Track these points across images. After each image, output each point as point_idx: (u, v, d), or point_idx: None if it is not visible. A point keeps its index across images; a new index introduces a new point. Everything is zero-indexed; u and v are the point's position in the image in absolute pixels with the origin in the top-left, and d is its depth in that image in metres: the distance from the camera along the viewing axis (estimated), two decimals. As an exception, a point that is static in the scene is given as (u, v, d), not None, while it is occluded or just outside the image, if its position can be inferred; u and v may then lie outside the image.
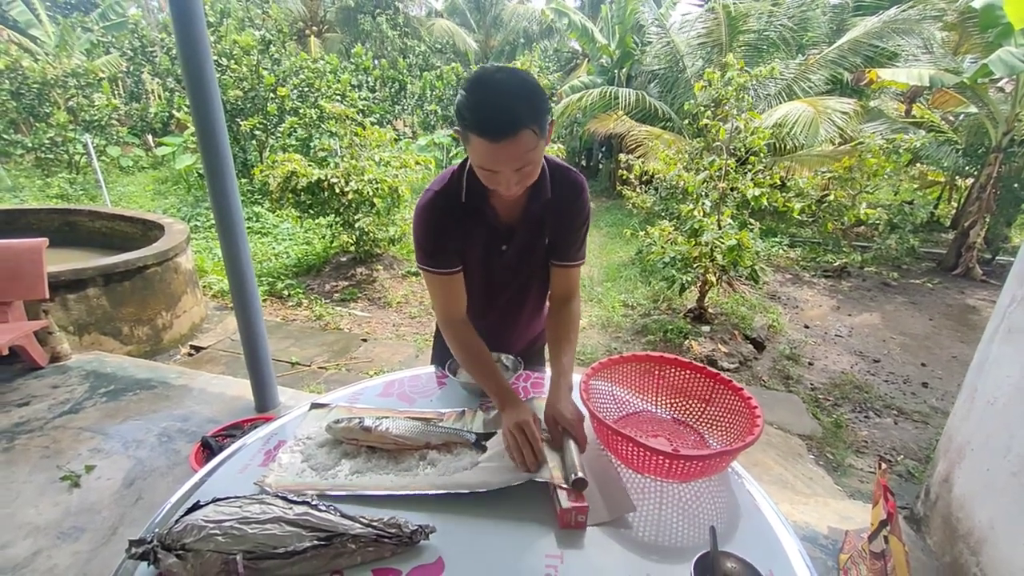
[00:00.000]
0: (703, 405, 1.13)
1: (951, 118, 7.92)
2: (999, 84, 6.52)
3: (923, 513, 1.94)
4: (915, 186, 8.87)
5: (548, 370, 1.32)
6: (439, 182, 1.11)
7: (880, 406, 3.48)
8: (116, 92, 10.91)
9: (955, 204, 8.99)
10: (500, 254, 1.17)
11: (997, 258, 6.72)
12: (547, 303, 1.37)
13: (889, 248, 6.14)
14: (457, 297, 1.18)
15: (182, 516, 0.77)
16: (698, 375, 1.14)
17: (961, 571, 1.64)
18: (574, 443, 0.95)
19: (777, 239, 7.44)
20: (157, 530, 0.76)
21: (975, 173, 6.85)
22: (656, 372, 1.19)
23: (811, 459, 2.87)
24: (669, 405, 1.18)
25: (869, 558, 1.51)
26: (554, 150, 5.03)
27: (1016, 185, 6.38)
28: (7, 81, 8.67)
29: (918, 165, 7.68)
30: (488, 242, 1.15)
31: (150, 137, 11.40)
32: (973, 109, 6.47)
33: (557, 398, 1.04)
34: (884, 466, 1.61)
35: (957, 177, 8.19)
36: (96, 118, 9.20)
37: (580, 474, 0.87)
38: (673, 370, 1.17)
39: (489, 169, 0.93)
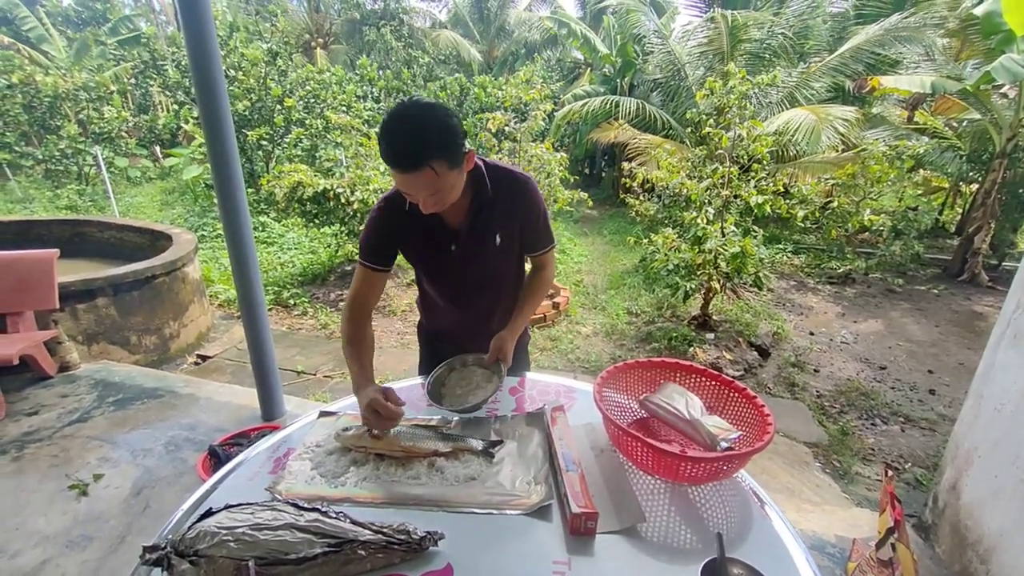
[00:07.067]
0: (715, 412, 1.12)
1: (954, 124, 7.92)
2: (1002, 90, 6.53)
3: (931, 521, 1.92)
4: (919, 192, 8.84)
5: (542, 377, 1.42)
6: (392, 190, 1.20)
7: (887, 413, 3.46)
8: (125, 105, 11.07)
9: (960, 210, 8.97)
10: (450, 254, 1.24)
11: (1003, 264, 6.69)
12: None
13: (894, 254, 6.13)
14: (370, 291, 1.27)
15: (195, 523, 0.78)
16: (711, 381, 1.14)
17: (971, 580, 1.63)
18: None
19: (781, 246, 7.43)
20: (170, 536, 0.78)
21: (980, 179, 6.84)
22: (669, 378, 1.19)
23: (818, 467, 2.85)
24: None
25: (877, 566, 1.50)
26: (557, 159, 5.06)
27: (1021, 190, 6.37)
28: (20, 94, 8.83)
29: (922, 171, 7.67)
30: (436, 244, 1.24)
31: (158, 148, 11.54)
32: (976, 115, 6.47)
33: (504, 332, 1.27)
34: (891, 473, 1.61)
35: (961, 183, 8.18)
36: (106, 130, 9.33)
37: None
38: (686, 376, 1.18)
39: (404, 192, 1.05)
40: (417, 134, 0.96)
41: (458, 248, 1.23)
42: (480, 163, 1.18)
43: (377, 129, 1.00)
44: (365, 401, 1.05)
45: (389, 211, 1.20)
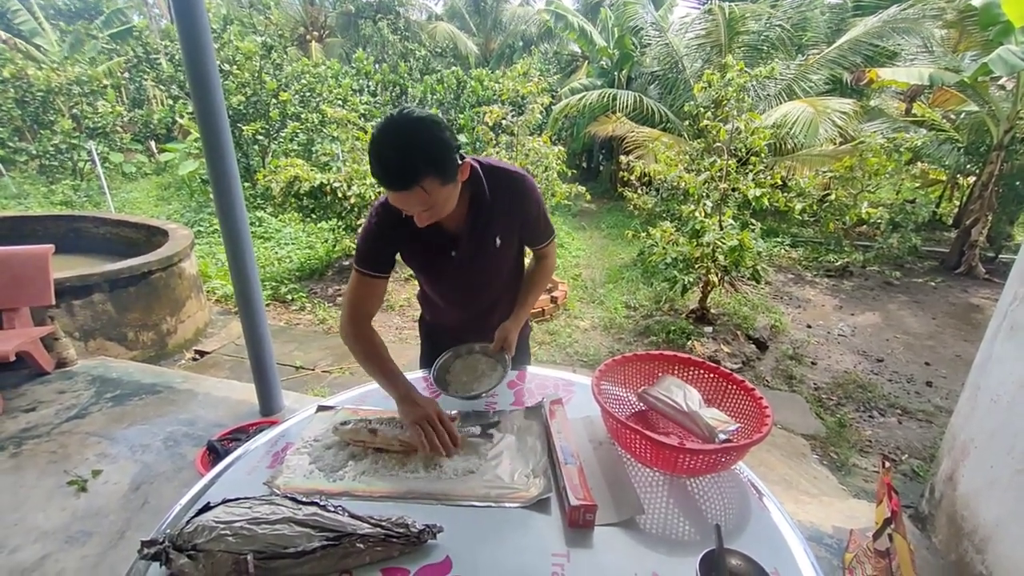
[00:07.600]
0: (714, 404, 1.12)
1: (952, 116, 7.90)
2: (1000, 82, 6.51)
3: (928, 511, 1.94)
4: (916, 185, 8.85)
5: (540, 370, 1.41)
6: (387, 196, 1.15)
7: (884, 405, 3.47)
8: (119, 99, 10.98)
9: (957, 202, 8.97)
10: (450, 259, 1.22)
11: (1000, 256, 6.70)
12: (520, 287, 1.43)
13: (891, 247, 6.13)
14: (368, 300, 1.25)
15: (193, 517, 0.78)
16: (709, 374, 1.14)
17: (967, 569, 1.64)
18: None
19: (779, 239, 7.43)
20: (168, 531, 0.77)
21: (977, 171, 6.84)
22: (667, 371, 1.19)
23: (815, 459, 2.86)
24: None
25: (874, 556, 1.51)
26: (555, 152, 5.04)
27: (1018, 183, 6.37)
28: (12, 89, 8.74)
29: (919, 164, 7.67)
30: (436, 250, 1.21)
31: (153, 143, 11.46)
32: (974, 107, 6.46)
33: (507, 322, 1.29)
34: (888, 465, 1.61)
35: (959, 175, 8.18)
36: (100, 125, 9.26)
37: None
38: (685, 369, 1.18)
39: (397, 206, 1.02)
40: (407, 153, 0.92)
41: (458, 253, 1.21)
42: (476, 165, 1.14)
43: (369, 145, 0.97)
44: (420, 413, 1.02)
45: (385, 219, 1.16)
